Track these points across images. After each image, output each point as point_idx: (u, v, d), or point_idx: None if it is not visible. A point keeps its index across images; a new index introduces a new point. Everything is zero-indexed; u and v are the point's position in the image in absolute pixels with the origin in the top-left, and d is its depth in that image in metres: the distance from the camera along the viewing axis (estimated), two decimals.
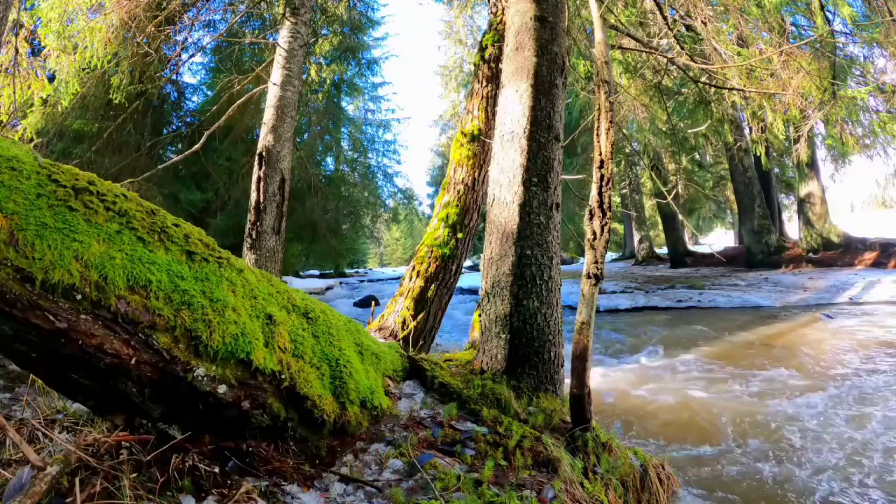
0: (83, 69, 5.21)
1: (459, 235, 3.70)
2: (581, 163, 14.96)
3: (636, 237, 21.56)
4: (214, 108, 7.11)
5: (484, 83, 3.85)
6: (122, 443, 1.30)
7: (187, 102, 13.47)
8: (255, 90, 5.54)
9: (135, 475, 1.21)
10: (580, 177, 6.73)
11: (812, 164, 13.25)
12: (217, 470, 1.30)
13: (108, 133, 9.54)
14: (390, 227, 33.98)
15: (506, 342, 2.30)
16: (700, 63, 4.60)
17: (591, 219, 1.91)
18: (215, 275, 1.37)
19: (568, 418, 2.05)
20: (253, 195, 4.58)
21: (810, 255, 13.13)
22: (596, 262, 1.89)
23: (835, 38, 5.37)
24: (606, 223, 1.90)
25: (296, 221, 13.70)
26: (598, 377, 4.34)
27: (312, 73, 12.38)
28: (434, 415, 1.88)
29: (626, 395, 4.04)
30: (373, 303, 4.66)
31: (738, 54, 4.64)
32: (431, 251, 3.68)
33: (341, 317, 1.87)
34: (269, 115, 4.77)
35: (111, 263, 1.14)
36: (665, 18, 5.08)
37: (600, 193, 1.89)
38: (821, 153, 12.27)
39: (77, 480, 1.13)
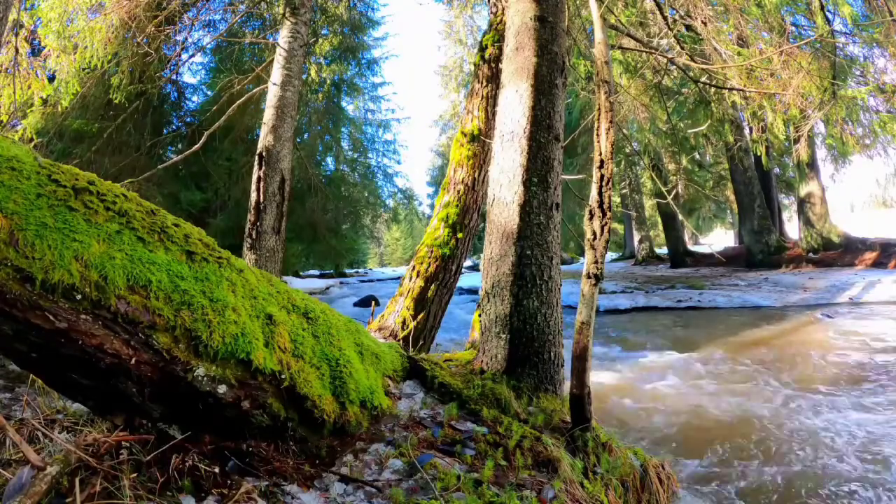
0: (83, 69, 5.20)
1: (459, 235, 3.70)
2: (581, 163, 14.96)
3: (636, 237, 21.56)
4: (214, 108, 7.12)
5: (484, 83, 3.85)
6: (122, 443, 1.30)
7: (187, 102, 13.49)
8: (255, 90, 5.55)
9: (135, 475, 1.21)
10: (580, 177, 6.74)
11: (812, 164, 13.25)
12: (217, 470, 1.30)
13: (108, 133, 9.55)
14: (390, 227, 33.97)
15: (506, 342, 2.30)
16: (700, 63, 4.60)
17: (591, 219, 1.91)
18: (215, 275, 1.37)
19: (568, 418, 2.05)
20: (253, 195, 4.58)
21: (810, 255, 13.13)
22: (596, 262, 1.89)
23: (835, 38, 5.36)
24: (606, 223, 1.90)
25: (296, 221, 13.70)
26: (598, 377, 4.34)
27: (312, 73, 12.37)
28: (434, 415, 1.88)
29: (626, 395, 4.04)
30: (373, 303, 4.66)
31: (738, 54, 4.64)
32: (431, 251, 3.67)
33: (341, 317, 1.87)
34: (269, 115, 4.77)
35: (111, 263, 1.14)
36: (665, 18, 5.08)
37: (600, 193, 1.89)
38: (821, 153, 12.26)
39: (77, 480, 1.13)
